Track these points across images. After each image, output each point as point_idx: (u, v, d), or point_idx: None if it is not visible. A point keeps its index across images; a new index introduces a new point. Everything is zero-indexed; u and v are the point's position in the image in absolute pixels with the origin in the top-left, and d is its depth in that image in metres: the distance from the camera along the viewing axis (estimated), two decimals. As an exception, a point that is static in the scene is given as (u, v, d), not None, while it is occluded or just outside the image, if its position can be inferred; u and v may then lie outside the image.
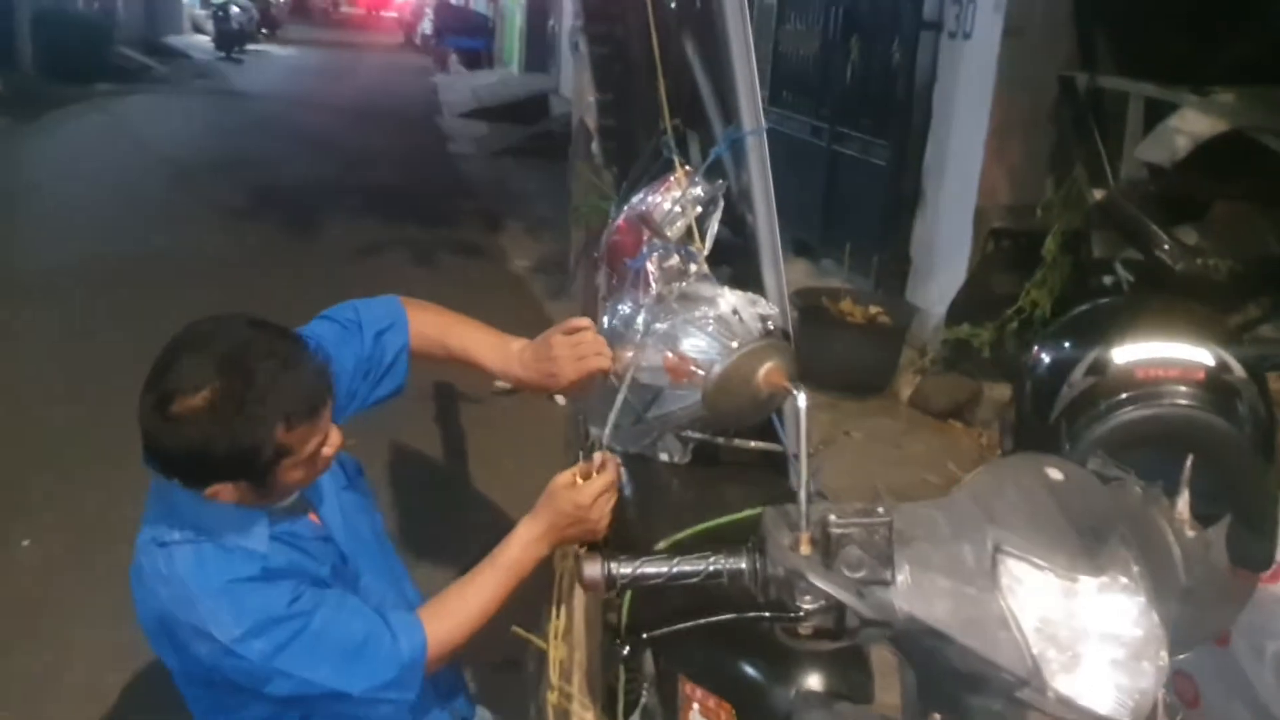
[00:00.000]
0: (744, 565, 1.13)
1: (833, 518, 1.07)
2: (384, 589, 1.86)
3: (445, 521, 4.21)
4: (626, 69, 2.39)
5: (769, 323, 1.89)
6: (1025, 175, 5.50)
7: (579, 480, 1.77)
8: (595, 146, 2.49)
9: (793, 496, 2.05)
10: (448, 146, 14.17)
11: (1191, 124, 4.78)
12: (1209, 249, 4.20)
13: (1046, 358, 1.81)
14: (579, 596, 2.14)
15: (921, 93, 6.00)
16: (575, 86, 2.59)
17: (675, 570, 1.15)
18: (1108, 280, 4.75)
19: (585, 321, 1.90)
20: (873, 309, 5.71)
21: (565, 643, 2.12)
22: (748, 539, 1.97)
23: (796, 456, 2.05)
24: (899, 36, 6.23)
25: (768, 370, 1.20)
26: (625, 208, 2.15)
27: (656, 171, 2.09)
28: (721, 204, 2.00)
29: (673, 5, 1.97)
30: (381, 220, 9.21)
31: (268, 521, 1.67)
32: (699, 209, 2.00)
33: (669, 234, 2.00)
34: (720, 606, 1.24)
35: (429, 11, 27.68)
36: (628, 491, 1.96)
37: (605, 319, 2.09)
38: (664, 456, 2.04)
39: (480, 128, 15.42)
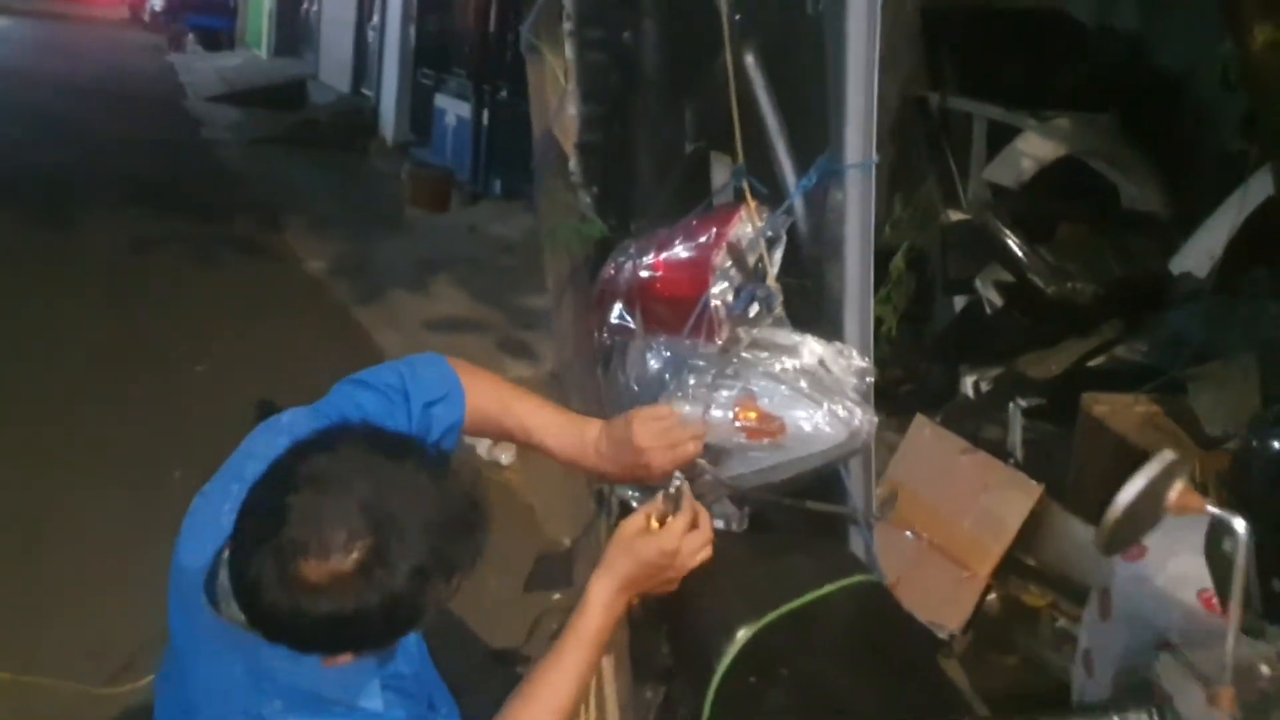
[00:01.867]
0: (1144, 726, 0.93)
1: (1264, 669, 0.89)
2: (441, 697, 1.55)
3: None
4: (627, 81, 2.14)
5: (865, 378, 1.70)
6: (867, 192, 5.53)
7: (654, 524, 1.55)
8: (573, 164, 2.22)
9: (859, 565, 1.90)
10: (201, 133, 13.14)
11: (1035, 148, 4.93)
12: (1075, 272, 4.32)
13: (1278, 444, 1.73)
14: (611, 694, 1.88)
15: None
16: (535, 92, 2.31)
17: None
18: (961, 299, 4.83)
19: (666, 410, 1.65)
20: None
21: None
22: (841, 620, 1.81)
23: (869, 523, 1.88)
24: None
25: (1179, 492, 1.01)
26: (658, 241, 1.90)
27: (709, 203, 1.86)
28: (784, 241, 1.79)
29: (736, 17, 1.75)
30: (146, 214, 8.37)
31: (376, 669, 1.35)
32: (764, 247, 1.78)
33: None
34: None
35: (161, -14, 25.79)
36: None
37: (648, 364, 1.84)
38: (719, 524, 1.81)
39: (233, 113, 14.43)
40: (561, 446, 1.65)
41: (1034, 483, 3.53)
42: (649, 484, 1.65)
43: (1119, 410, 3.79)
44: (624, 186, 2.21)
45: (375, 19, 13.59)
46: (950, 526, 3.62)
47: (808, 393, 1.67)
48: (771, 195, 1.78)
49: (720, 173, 1.96)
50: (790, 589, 1.70)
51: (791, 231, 1.81)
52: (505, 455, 4.61)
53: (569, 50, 2.17)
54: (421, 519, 1.21)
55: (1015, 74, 5.15)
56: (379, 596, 1.18)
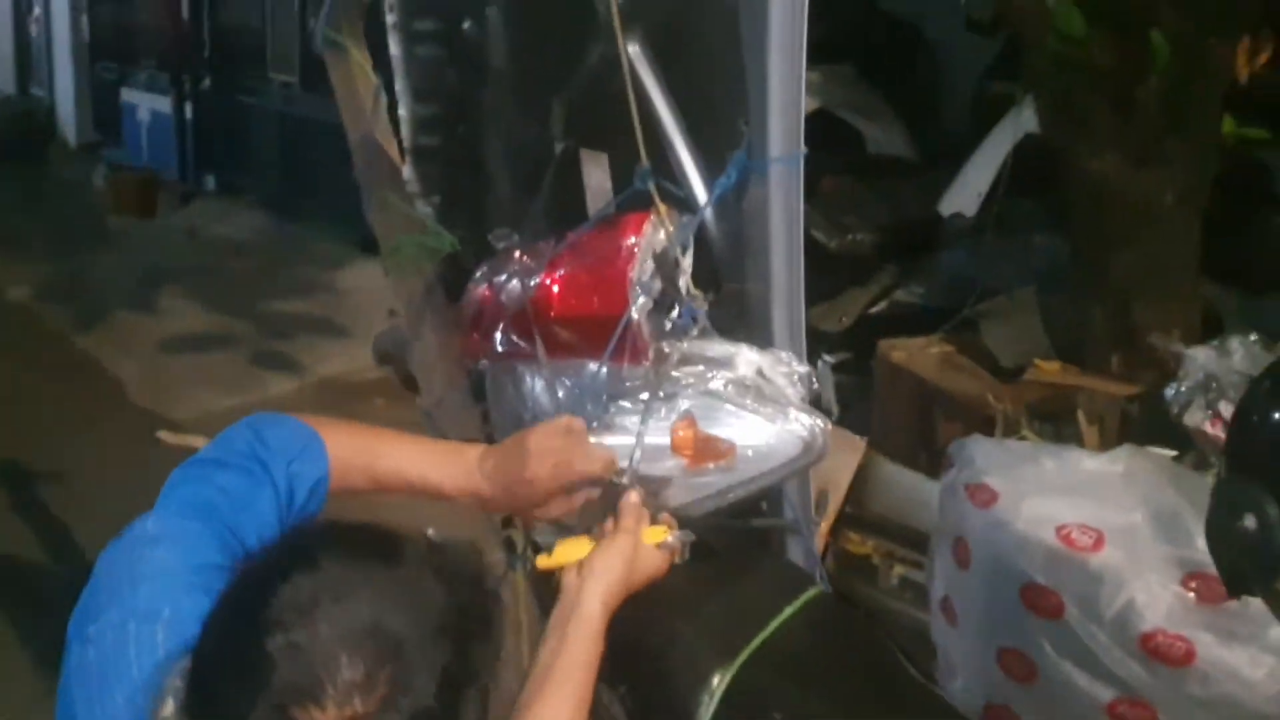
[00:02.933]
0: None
1: None
2: None
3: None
4: (469, 77, 1.92)
5: (809, 384, 1.59)
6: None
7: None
8: (407, 171, 1.99)
9: (805, 576, 1.80)
10: None
11: (790, 103, 4.96)
12: (852, 224, 4.38)
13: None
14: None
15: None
16: (344, 94, 2.04)
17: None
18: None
19: (577, 423, 1.47)
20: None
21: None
22: (809, 644, 1.70)
23: (809, 530, 1.78)
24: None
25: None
26: (549, 255, 1.71)
27: (614, 208, 1.68)
28: (691, 246, 1.65)
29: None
30: None
31: None
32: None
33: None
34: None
35: None
36: (628, 616, 1.58)
37: (556, 393, 1.67)
38: (658, 558, 1.67)
39: None
40: (450, 479, 1.44)
41: (857, 438, 3.56)
42: (537, 516, 1.47)
43: (915, 353, 3.86)
44: (474, 193, 2.00)
45: (36, 10, 12.30)
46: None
47: (753, 408, 1.55)
48: (677, 197, 1.63)
49: (594, 173, 1.79)
50: (750, 621, 1.60)
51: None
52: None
53: (394, 45, 1.93)
54: (435, 626, 1.02)
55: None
56: None
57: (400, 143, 2.06)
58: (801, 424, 1.55)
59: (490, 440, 1.93)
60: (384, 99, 2.05)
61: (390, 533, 1.09)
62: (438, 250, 1.98)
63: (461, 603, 1.05)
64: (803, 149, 1.49)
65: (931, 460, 3.48)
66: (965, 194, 4.29)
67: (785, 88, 1.46)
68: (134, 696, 1.09)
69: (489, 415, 1.93)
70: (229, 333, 6.10)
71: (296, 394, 5.41)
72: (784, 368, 1.58)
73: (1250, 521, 1.12)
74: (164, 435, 4.51)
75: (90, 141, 11.19)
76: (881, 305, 4.43)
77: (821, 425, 1.55)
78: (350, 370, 5.73)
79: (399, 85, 1.96)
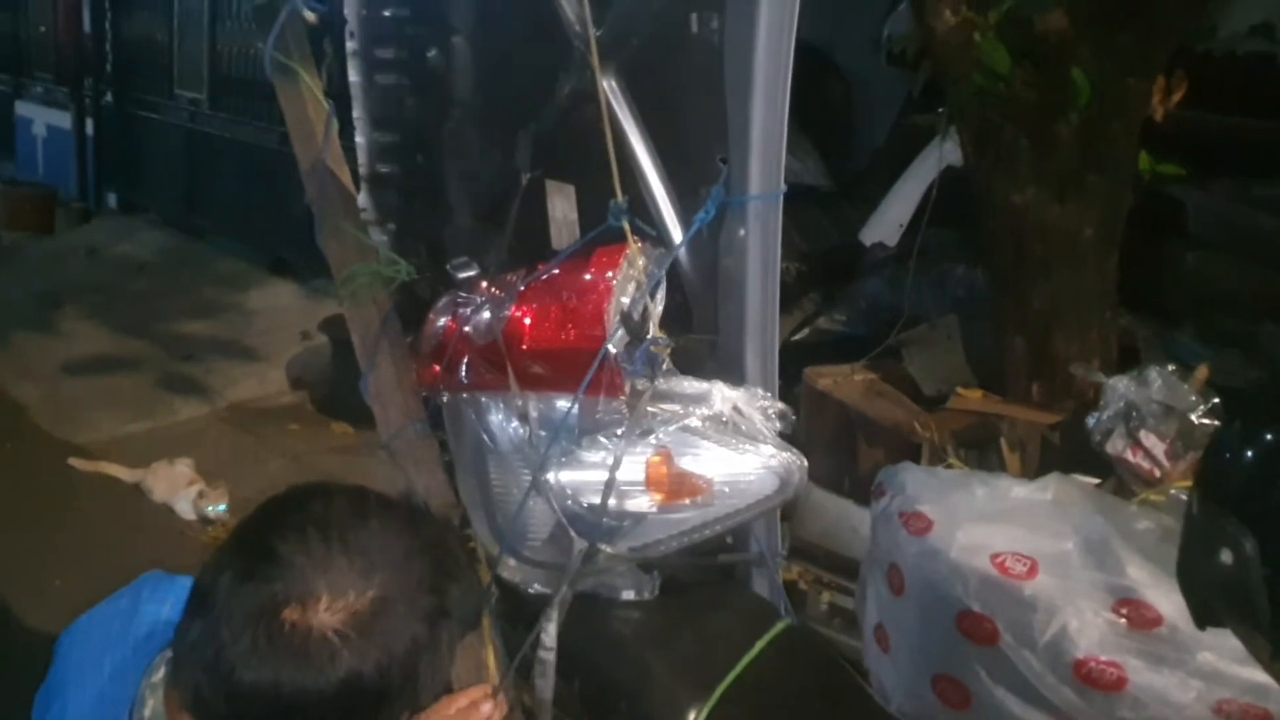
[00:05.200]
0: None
1: None
2: None
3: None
4: (431, 106, 1.89)
5: (785, 420, 1.61)
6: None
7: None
8: (362, 198, 1.96)
9: (772, 609, 1.81)
10: None
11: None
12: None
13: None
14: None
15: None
16: (295, 121, 2.00)
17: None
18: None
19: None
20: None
21: None
22: (783, 679, 1.70)
23: (775, 562, 1.79)
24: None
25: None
26: (519, 288, 1.70)
27: (590, 242, 1.68)
28: (664, 282, 1.66)
29: (596, 33, 1.55)
30: None
31: None
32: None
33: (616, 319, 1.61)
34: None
35: None
36: (600, 653, 1.59)
37: (531, 427, 1.66)
38: (629, 594, 1.67)
39: None
40: None
41: (788, 464, 3.57)
42: None
43: (841, 381, 3.92)
44: (430, 223, 1.98)
45: (-80, 18, 11.82)
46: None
47: (732, 444, 1.56)
48: (649, 232, 1.64)
49: (560, 205, 1.78)
50: (723, 657, 1.62)
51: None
52: (214, 507, 4.12)
53: (353, 73, 1.90)
54: (429, 559, 1.11)
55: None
56: (402, 642, 1.05)
57: (355, 169, 2.03)
58: (778, 460, 1.56)
59: (450, 470, 1.92)
60: (335, 124, 2.01)
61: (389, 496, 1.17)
62: (392, 279, 1.95)
63: (447, 545, 1.16)
64: (783, 186, 1.51)
65: (855, 486, 3.53)
66: (886, 224, 4.35)
67: (768, 125, 1.48)
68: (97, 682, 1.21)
69: (446, 445, 1.91)
70: (134, 355, 5.90)
71: (207, 419, 5.27)
72: (761, 403, 1.59)
73: (1226, 556, 1.14)
74: (76, 462, 4.36)
75: (-21, 157, 10.78)
76: (804, 332, 4.49)
77: (798, 461, 1.57)
78: (263, 395, 5.61)
79: (357, 112, 1.93)
